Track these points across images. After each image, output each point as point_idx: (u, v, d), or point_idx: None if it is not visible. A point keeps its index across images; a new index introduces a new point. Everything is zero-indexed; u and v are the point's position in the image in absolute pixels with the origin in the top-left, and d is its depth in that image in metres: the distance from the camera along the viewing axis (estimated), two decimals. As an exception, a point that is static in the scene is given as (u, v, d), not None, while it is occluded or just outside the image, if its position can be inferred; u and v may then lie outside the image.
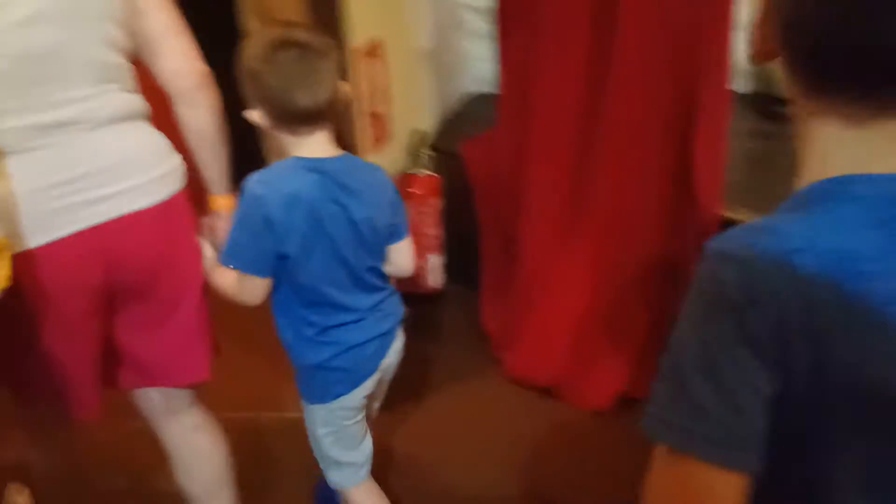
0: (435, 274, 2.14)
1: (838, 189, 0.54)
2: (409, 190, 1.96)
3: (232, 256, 1.16)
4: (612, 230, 1.80)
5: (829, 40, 0.52)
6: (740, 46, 1.57)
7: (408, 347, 1.50)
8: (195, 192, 1.25)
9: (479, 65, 2.40)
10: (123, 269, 1.12)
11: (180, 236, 1.21)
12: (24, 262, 1.01)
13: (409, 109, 2.09)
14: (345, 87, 1.19)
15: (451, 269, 2.22)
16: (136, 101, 1.16)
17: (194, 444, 1.37)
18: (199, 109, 1.19)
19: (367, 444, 1.38)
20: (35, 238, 1.03)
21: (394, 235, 1.29)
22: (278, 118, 1.14)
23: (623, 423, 1.79)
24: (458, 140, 2.20)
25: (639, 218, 1.76)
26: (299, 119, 1.13)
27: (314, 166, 1.15)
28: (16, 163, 1.01)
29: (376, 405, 1.46)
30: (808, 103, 0.57)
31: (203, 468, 1.38)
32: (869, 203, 0.53)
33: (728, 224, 1.36)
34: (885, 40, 0.50)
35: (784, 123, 1.55)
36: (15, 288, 0.98)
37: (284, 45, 1.11)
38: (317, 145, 1.16)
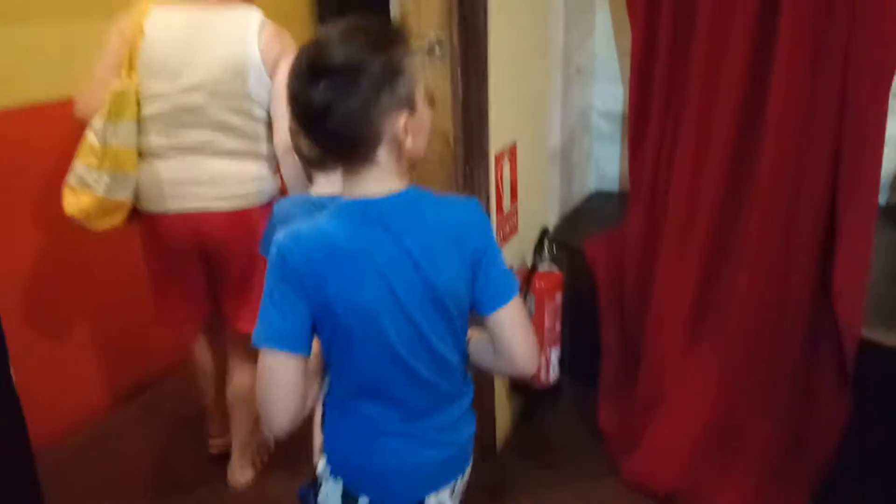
0: (552, 369, 2.07)
1: (339, 206, 0.99)
2: (533, 284, 2.00)
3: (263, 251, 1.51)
4: (742, 340, 1.78)
5: (313, 143, 1.00)
6: (891, 157, 1.71)
7: (519, 444, 1.96)
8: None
9: (604, 165, 2.45)
10: (204, 242, 1.75)
11: (243, 233, 1.75)
12: (147, 219, 1.76)
13: (536, 206, 2.16)
14: None
15: (568, 364, 2.15)
16: (246, 144, 1.74)
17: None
18: (284, 166, 1.71)
19: None
20: (151, 207, 1.74)
21: None
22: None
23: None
24: (582, 236, 2.17)
25: (772, 330, 1.74)
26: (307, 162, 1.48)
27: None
28: (157, 164, 1.71)
29: None
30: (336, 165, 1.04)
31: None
32: (346, 211, 0.98)
33: (867, 345, 1.67)
34: (319, 148, 1.00)
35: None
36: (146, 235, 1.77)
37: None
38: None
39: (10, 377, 1.31)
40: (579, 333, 2.23)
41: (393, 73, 0.93)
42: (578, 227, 2.29)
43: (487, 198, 1.77)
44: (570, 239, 2.19)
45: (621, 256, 2.02)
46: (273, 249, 0.98)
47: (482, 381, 1.89)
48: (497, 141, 1.78)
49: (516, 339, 1.04)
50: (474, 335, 1.10)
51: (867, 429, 1.66)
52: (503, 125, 1.80)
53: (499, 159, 1.83)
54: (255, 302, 1.79)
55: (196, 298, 1.87)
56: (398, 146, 0.96)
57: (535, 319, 1.98)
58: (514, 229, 2.00)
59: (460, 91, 1.55)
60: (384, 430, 1.05)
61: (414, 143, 0.98)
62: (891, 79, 1.49)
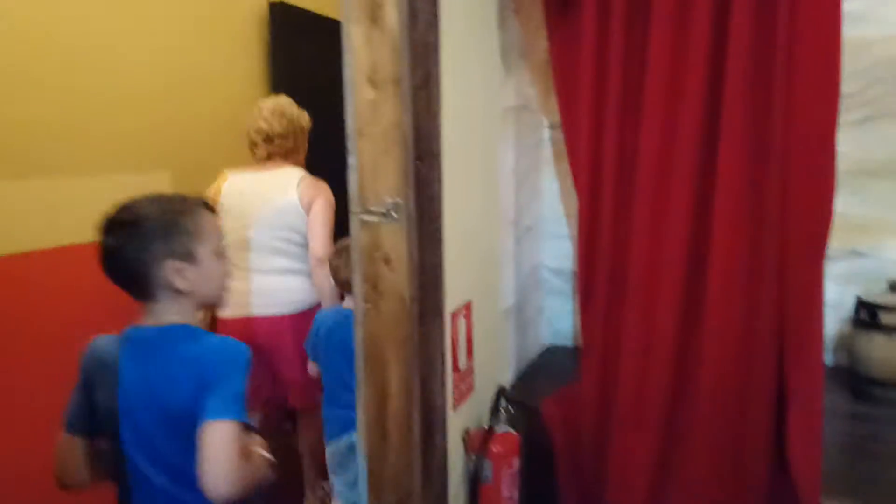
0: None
1: (128, 329, 1.29)
2: (489, 448, 1.91)
3: None
4: None
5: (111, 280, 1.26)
6: (829, 319, 1.70)
7: None
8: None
9: (557, 320, 2.46)
10: (257, 342, 2.34)
11: (289, 333, 2.47)
12: (220, 324, 2.51)
13: (492, 363, 2.13)
14: None
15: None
16: (291, 264, 2.53)
17: None
18: (315, 276, 2.46)
19: None
20: (221, 313, 2.49)
21: None
22: None
23: None
24: (538, 394, 2.14)
25: (732, 500, 1.70)
26: None
27: None
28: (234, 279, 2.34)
29: None
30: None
31: None
32: (125, 334, 1.28)
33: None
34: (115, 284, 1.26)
35: (878, 405, 2.14)
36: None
37: None
38: None
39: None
40: (539, 499, 2.10)
41: (168, 229, 1.22)
42: (535, 384, 2.25)
43: (443, 356, 1.73)
44: (526, 397, 2.14)
45: (578, 417, 1.97)
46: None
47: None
48: (452, 300, 1.78)
49: (205, 459, 1.19)
50: None
51: None
52: (458, 284, 1.82)
53: (454, 318, 1.82)
54: (299, 387, 2.56)
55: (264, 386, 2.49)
56: (172, 289, 1.23)
57: (492, 488, 1.87)
58: (469, 388, 1.94)
59: (416, 252, 1.57)
60: None
61: (197, 288, 1.26)
62: (823, 249, 1.58)
